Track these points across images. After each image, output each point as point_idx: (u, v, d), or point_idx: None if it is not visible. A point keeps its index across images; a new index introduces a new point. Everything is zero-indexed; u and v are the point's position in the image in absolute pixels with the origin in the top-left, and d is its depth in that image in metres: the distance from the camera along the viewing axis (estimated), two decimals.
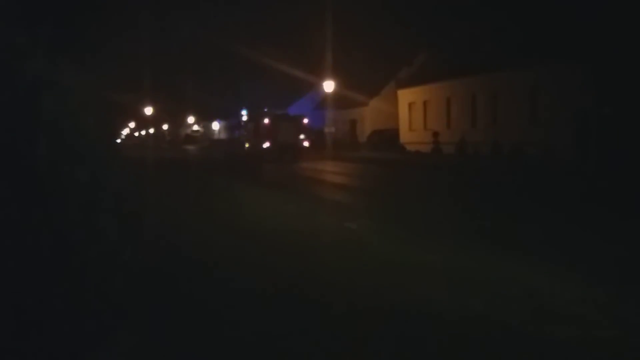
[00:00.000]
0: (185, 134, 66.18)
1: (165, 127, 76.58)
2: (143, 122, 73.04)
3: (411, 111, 32.73)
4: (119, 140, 42.55)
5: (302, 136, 26.83)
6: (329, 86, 31.69)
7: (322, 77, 32.33)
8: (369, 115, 37.07)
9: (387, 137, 32.85)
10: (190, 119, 69.27)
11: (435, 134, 28.08)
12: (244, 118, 33.38)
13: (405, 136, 32.72)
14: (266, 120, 27.53)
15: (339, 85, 32.38)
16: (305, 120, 28.17)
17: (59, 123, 3.29)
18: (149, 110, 60.14)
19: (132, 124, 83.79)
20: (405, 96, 33.16)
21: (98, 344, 3.21)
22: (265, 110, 31.22)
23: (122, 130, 75.43)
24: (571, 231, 7.12)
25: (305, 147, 26.54)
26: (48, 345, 2.97)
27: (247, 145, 29.34)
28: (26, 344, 2.91)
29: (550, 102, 21.69)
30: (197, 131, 68.12)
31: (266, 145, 26.30)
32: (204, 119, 67.41)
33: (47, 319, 3.03)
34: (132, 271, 4.44)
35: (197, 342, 3.51)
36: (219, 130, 65.41)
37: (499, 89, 24.97)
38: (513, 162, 19.44)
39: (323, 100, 34.54)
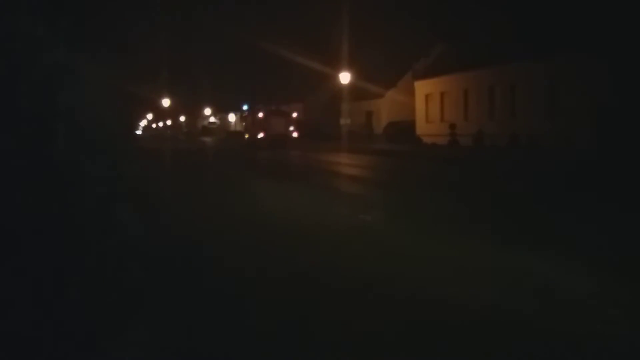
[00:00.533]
0: (202, 126, 66.57)
1: (182, 118, 77.04)
2: (161, 113, 73.56)
3: (428, 103, 32.48)
4: (139, 132, 43.30)
5: (291, 128, 32.30)
6: (344, 78, 31.59)
7: (338, 69, 32.23)
8: (385, 107, 36.88)
9: (403, 129, 32.67)
10: (207, 111, 69.60)
11: (452, 126, 27.85)
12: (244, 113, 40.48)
13: (422, 128, 32.51)
14: (260, 115, 32.84)
15: (355, 76, 32.26)
16: (294, 115, 33.90)
17: (77, 114, 3.34)
18: (166, 102, 60.54)
19: (149, 116, 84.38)
20: (422, 88, 32.91)
21: (114, 333, 3.27)
22: (253, 106, 36.97)
23: (139, 121, 75.95)
24: (590, 226, 7.04)
25: (294, 137, 31.44)
26: (65, 333, 3.04)
27: (246, 136, 34.91)
28: (44, 331, 2.98)
29: (569, 94, 21.37)
30: (214, 123, 68.47)
31: (260, 135, 31.16)
32: (221, 111, 67.67)
33: (65, 307, 3.09)
34: (148, 260, 4.51)
35: (211, 331, 3.56)
36: (235, 123, 65.70)
37: (517, 80, 24.66)
38: (530, 155, 19.23)
39: (339, 92, 34.48)
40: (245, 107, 38.99)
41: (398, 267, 4.99)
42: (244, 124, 38.94)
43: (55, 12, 3.26)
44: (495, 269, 4.87)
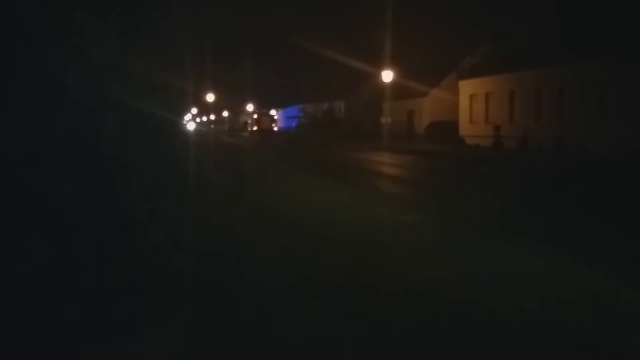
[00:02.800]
0: (243, 122, 67.61)
1: (225, 114, 78.19)
2: (205, 108, 74.74)
3: (472, 103, 31.87)
4: (191, 126, 49.74)
5: (273, 124, 53.16)
6: (387, 76, 31.33)
7: (381, 67, 31.99)
8: (428, 106, 36.41)
9: (446, 129, 32.16)
10: (249, 107, 70.44)
11: (497, 128, 27.23)
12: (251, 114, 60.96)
13: (465, 129, 31.94)
14: (255, 115, 55.08)
15: (398, 75, 31.93)
16: (276, 116, 55.56)
17: (126, 107, 3.42)
18: (210, 97, 61.46)
19: (194, 110, 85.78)
20: (467, 87, 32.31)
21: (154, 321, 3.34)
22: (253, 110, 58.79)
23: (185, 115, 77.17)
24: (633, 233, 6.75)
25: (275, 130, 51.76)
26: (107, 320, 3.11)
27: (249, 128, 55.35)
28: (86, 316, 3.06)
29: (621, 97, 20.57)
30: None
31: (254, 128, 51.88)
32: (262, 107, 68.49)
33: (107, 294, 3.17)
34: (190, 252, 4.58)
35: (249, 326, 3.58)
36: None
37: (565, 82, 23.90)
38: (577, 159, 18.62)
39: (381, 90, 34.25)
40: (253, 110, 59.70)
41: (440, 271, 4.91)
42: (248, 121, 60.03)
43: (106, 5, 3.34)
44: (541, 276, 4.72)
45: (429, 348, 3.29)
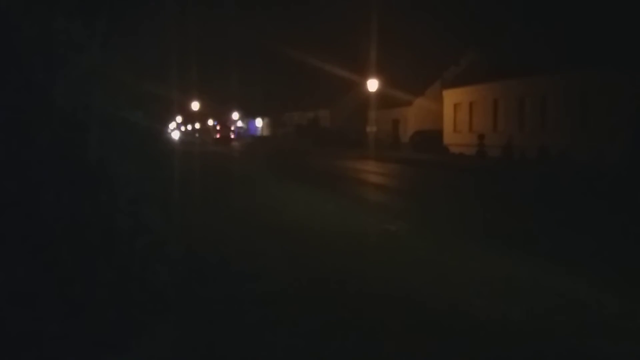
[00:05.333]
0: (207, 129, 68.22)
1: (210, 122, 77.94)
2: (190, 117, 74.45)
3: (456, 112, 32.15)
4: (176, 135, 52.89)
5: (231, 133, 60.11)
6: (372, 85, 31.49)
7: (366, 76, 32.15)
8: (412, 115, 36.66)
9: (430, 138, 32.41)
10: (235, 116, 70.36)
11: (481, 137, 27.50)
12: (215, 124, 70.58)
13: (450, 138, 32.20)
14: (218, 127, 64.07)
15: (383, 84, 32.11)
16: (233, 127, 65.50)
17: (109, 115, 3.39)
18: (195, 106, 61.25)
19: (179, 119, 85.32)
20: (451, 96, 32.61)
21: (140, 333, 3.30)
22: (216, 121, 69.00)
23: (169, 123, 76.86)
24: (617, 242, 6.84)
25: (232, 138, 58.06)
26: (91, 331, 3.07)
27: (214, 136, 60.46)
28: (71, 328, 3.02)
29: (603, 107, 20.91)
30: (241, 128, 69.38)
31: (217, 136, 58.25)
32: (248, 115, 68.55)
33: (92, 306, 3.13)
34: (175, 262, 4.54)
35: (234, 334, 3.56)
36: (262, 128, 66.94)
37: (549, 92, 24.24)
38: (559, 168, 18.86)
39: (366, 99, 34.41)
40: (215, 122, 70.48)
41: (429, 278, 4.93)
42: (214, 130, 66.41)
43: (91, 14, 3.33)
44: (523, 285, 4.76)
45: (408, 356, 3.30)
